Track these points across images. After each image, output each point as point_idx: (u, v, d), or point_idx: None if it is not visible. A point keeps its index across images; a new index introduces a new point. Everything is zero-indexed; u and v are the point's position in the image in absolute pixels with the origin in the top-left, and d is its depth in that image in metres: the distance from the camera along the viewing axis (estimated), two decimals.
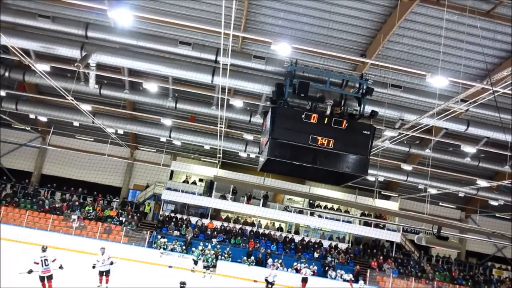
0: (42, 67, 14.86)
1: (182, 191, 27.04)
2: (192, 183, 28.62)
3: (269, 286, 19.53)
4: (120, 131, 23.35)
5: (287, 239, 27.17)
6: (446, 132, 18.88)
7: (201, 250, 22.35)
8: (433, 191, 24.86)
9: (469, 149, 19.49)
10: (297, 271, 23.64)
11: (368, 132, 10.30)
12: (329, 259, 25.52)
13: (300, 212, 27.83)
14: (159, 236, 24.43)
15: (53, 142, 26.86)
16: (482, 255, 31.58)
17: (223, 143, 22.37)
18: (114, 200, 27.73)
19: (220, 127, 19.11)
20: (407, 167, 23.04)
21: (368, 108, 12.10)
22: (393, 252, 28.90)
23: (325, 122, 10.11)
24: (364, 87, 11.34)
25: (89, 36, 13.20)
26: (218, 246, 24.18)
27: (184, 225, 26.27)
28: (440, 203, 29.92)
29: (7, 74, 18.15)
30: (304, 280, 21.67)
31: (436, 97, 13.55)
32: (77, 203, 26.45)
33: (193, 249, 23.06)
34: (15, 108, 21.20)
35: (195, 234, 25.67)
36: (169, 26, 16.05)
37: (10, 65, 18.35)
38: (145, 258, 22.54)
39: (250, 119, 19.01)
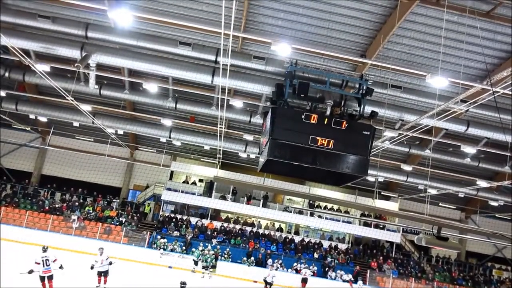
0: (42, 67, 14.86)
1: (182, 192, 27.03)
2: (192, 183, 28.62)
3: (268, 286, 19.53)
4: (120, 132, 23.35)
5: (287, 240, 27.17)
6: (446, 133, 18.90)
7: (201, 251, 22.35)
8: (433, 191, 24.86)
9: (469, 149, 19.51)
10: (297, 271, 23.63)
11: (368, 133, 10.31)
12: (329, 259, 25.52)
13: (300, 212, 27.83)
14: (158, 237, 24.43)
15: (53, 142, 26.86)
16: (482, 256, 31.57)
17: (223, 144, 22.37)
18: (114, 200, 27.74)
19: (220, 127, 19.12)
20: (407, 167, 23.03)
21: (368, 109, 12.12)
22: (393, 253, 28.90)
23: (325, 122, 10.11)
24: (364, 87, 11.35)
25: (89, 36, 13.21)
26: (218, 246, 24.17)
27: (184, 226, 26.26)
28: (440, 204, 29.91)
29: (7, 74, 18.16)
30: (304, 281, 21.65)
31: (436, 97, 13.55)
32: (77, 203, 26.44)
33: (193, 249, 23.08)
34: (15, 109, 21.20)
35: (195, 234, 25.67)
36: (169, 27, 16.06)
37: (10, 66, 18.36)
38: (145, 258, 22.52)
39: (250, 120, 19.01)
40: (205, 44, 14.35)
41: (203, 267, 21.23)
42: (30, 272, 12.27)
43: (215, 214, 28.66)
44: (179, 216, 27.31)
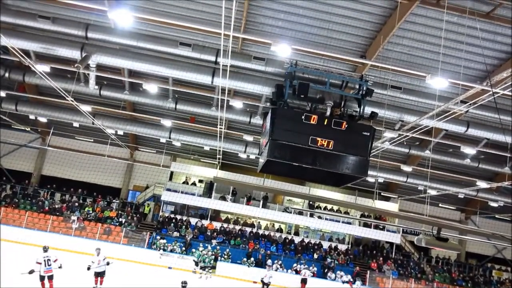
0: (42, 68, 14.86)
1: (182, 192, 27.00)
2: (192, 184, 28.61)
3: (265, 287, 19.53)
4: (120, 132, 23.34)
5: (287, 240, 27.16)
6: (446, 133, 18.91)
7: (201, 251, 22.34)
8: (433, 192, 24.87)
9: (469, 150, 19.52)
10: (297, 272, 23.63)
11: (368, 133, 10.31)
12: (328, 260, 25.51)
13: (300, 213, 27.82)
14: (158, 237, 24.41)
15: (53, 143, 26.86)
16: (482, 257, 31.56)
17: (223, 144, 22.37)
18: (113, 201, 27.72)
19: (220, 128, 19.12)
20: (407, 168, 23.04)
21: (368, 109, 12.14)
22: (393, 253, 28.88)
23: (325, 123, 10.12)
24: (364, 88, 11.36)
25: (89, 37, 13.21)
26: (218, 247, 24.17)
27: (183, 226, 26.25)
28: (440, 204, 29.90)
29: (7, 75, 18.16)
30: (304, 281, 21.64)
31: (436, 98, 13.56)
32: (76, 204, 26.43)
33: (193, 250, 23.07)
34: (15, 109, 21.19)
35: (194, 235, 25.66)
36: (169, 27, 16.08)
37: (10, 66, 18.37)
38: (145, 259, 22.51)
39: (250, 120, 19.00)
40: (205, 45, 14.34)
41: (201, 268, 21.22)
42: (31, 272, 12.29)
43: (215, 215, 28.64)
44: (179, 217, 27.30)
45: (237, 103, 17.81)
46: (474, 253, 31.45)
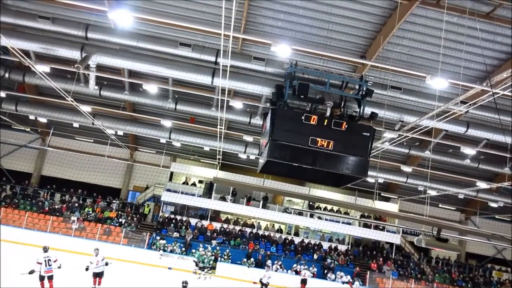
0: (42, 68, 14.86)
1: (182, 193, 27.00)
2: (192, 184, 28.61)
3: (264, 287, 19.52)
4: (120, 133, 23.34)
5: (287, 241, 27.15)
6: (445, 134, 18.90)
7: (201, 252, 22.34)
8: (432, 192, 24.85)
9: (469, 150, 19.51)
10: (297, 272, 23.62)
11: (368, 134, 10.32)
12: (328, 260, 25.50)
13: (300, 213, 27.80)
14: (158, 238, 24.41)
15: (53, 143, 26.84)
16: (482, 257, 31.55)
17: (223, 145, 22.36)
18: (113, 201, 27.71)
19: (220, 128, 19.12)
20: (407, 168, 23.03)
21: (368, 110, 12.14)
22: (393, 254, 28.87)
23: (325, 123, 10.12)
24: (364, 88, 11.37)
25: (89, 37, 13.20)
26: (218, 247, 24.16)
27: (183, 227, 26.24)
28: (440, 205, 29.89)
29: (7, 75, 18.15)
30: (303, 282, 21.63)
31: (435, 98, 13.56)
32: (76, 204, 26.42)
33: (193, 250, 23.06)
34: (15, 109, 21.18)
35: (194, 235, 25.65)
36: (169, 28, 16.08)
37: (10, 66, 18.37)
38: (145, 259, 22.51)
39: (250, 121, 19.00)
40: (205, 45, 14.35)
41: (200, 268, 21.21)
42: (31, 272, 12.32)
43: (215, 215, 28.63)
44: (178, 217, 27.29)
45: (237, 104, 17.82)
46: (474, 254, 31.45)
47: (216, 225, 27.20)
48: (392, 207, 28.55)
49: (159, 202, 28.08)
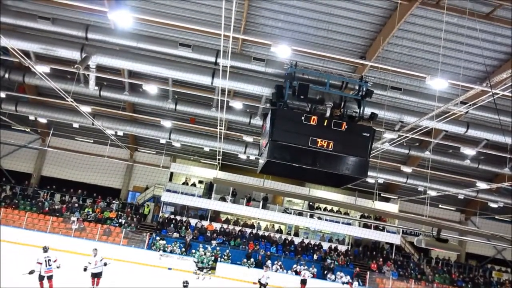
0: (42, 68, 14.87)
1: (182, 193, 27.00)
2: (192, 185, 28.61)
3: (262, 287, 19.52)
4: (120, 133, 23.33)
5: (287, 241, 27.15)
6: (445, 134, 18.89)
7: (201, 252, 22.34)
8: (432, 193, 24.85)
9: (469, 151, 19.51)
10: (297, 273, 23.62)
11: (368, 134, 10.33)
12: (328, 261, 25.50)
13: (300, 214, 27.80)
14: (158, 238, 24.40)
15: (53, 143, 26.83)
16: (482, 257, 31.54)
17: (223, 145, 22.36)
18: (113, 202, 27.71)
19: (220, 129, 19.11)
20: (406, 169, 23.02)
21: (368, 110, 12.15)
22: (393, 254, 28.88)
23: (325, 124, 10.13)
24: (364, 89, 11.38)
25: (89, 37, 13.20)
26: (218, 248, 24.16)
27: (183, 227, 26.24)
28: (440, 205, 29.87)
29: (7, 75, 18.15)
30: (303, 282, 21.63)
31: (435, 99, 13.55)
32: (76, 204, 26.41)
33: (193, 251, 23.05)
34: (15, 110, 21.17)
35: (194, 236, 25.65)
36: (169, 28, 16.09)
37: (10, 67, 18.36)
38: (145, 260, 22.50)
39: (249, 121, 19.00)
40: (205, 46, 14.36)
41: (199, 268, 21.20)
42: (31, 272, 12.35)
43: (215, 216, 28.64)
44: (178, 218, 27.29)
45: (237, 104, 17.82)
46: (474, 254, 31.43)
47: (216, 226, 27.20)
48: (392, 207, 28.55)
49: (159, 202, 28.08)
